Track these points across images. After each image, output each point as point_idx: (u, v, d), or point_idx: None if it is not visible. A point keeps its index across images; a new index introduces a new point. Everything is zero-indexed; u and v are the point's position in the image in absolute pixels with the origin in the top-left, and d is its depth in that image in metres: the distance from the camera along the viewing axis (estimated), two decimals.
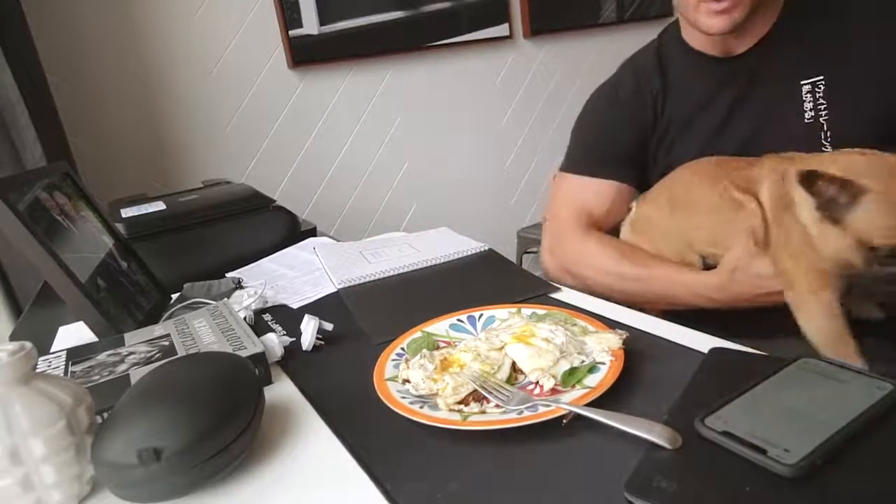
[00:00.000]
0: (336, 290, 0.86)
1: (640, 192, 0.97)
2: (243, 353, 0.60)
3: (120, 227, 0.98)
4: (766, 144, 0.83)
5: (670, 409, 0.47)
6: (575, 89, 2.63)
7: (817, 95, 0.84)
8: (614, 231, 0.97)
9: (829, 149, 0.83)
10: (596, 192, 0.96)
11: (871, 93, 0.82)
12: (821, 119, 0.84)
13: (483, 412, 0.50)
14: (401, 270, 0.90)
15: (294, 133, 2.13)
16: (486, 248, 0.95)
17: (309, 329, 0.67)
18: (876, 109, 0.82)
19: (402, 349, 0.62)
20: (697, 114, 0.90)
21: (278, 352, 0.65)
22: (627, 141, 0.95)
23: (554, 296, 0.76)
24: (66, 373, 0.62)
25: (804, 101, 0.84)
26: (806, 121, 0.85)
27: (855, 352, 0.70)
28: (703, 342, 0.58)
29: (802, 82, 0.84)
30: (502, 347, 0.57)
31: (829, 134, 0.84)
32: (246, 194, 1.16)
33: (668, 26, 0.98)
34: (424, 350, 0.59)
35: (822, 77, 0.83)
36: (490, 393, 0.51)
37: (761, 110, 0.87)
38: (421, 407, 0.51)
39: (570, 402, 0.49)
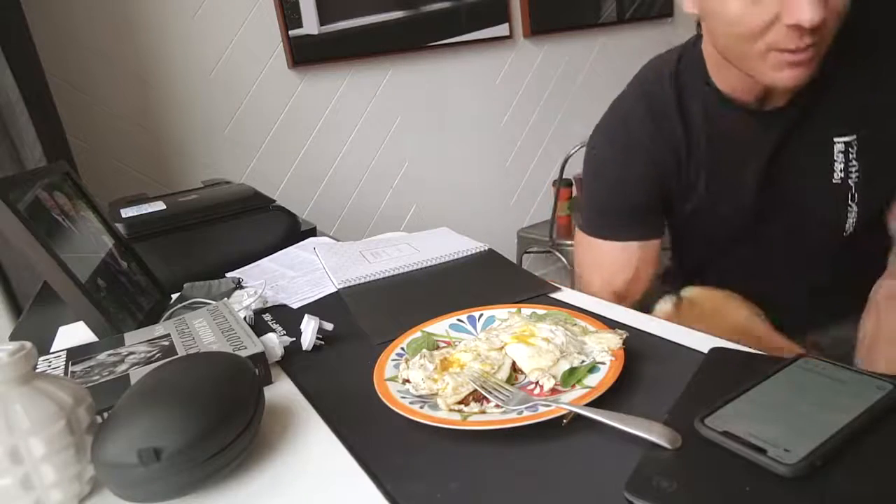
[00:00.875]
0: (336, 290, 0.86)
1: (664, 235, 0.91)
2: (243, 353, 0.60)
3: (120, 227, 0.98)
4: (797, 204, 0.80)
5: (670, 409, 0.47)
6: (575, 89, 2.64)
7: (850, 156, 0.79)
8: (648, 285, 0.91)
9: (854, 209, 0.81)
10: (620, 257, 0.89)
11: None
12: (850, 181, 0.80)
13: (483, 412, 0.50)
14: (401, 270, 0.90)
15: (294, 133, 2.13)
16: (486, 248, 0.95)
17: (309, 329, 0.67)
18: None
19: (402, 349, 0.62)
20: (735, 168, 0.82)
21: (278, 352, 0.65)
22: (646, 193, 0.87)
23: (554, 296, 0.76)
24: (66, 373, 0.62)
25: (835, 160, 0.79)
26: (834, 181, 0.80)
27: None
28: (703, 342, 0.58)
29: (836, 140, 0.79)
30: (502, 347, 0.57)
31: (856, 196, 0.80)
32: (246, 194, 1.16)
33: (684, 54, 0.85)
34: (424, 350, 0.59)
35: (854, 136, 0.78)
36: (490, 393, 0.51)
37: (795, 167, 0.81)
38: (421, 407, 0.51)
39: (570, 402, 0.49)
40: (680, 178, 0.86)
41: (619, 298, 0.88)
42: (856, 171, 0.79)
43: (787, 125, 0.79)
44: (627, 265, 0.89)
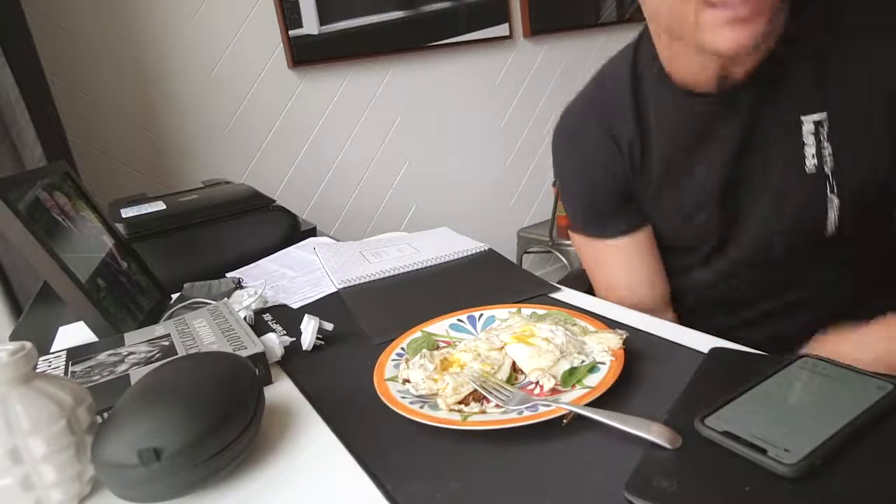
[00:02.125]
0: (336, 290, 0.86)
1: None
2: (243, 353, 0.60)
3: (120, 227, 0.98)
4: (767, 199, 0.72)
5: (670, 409, 0.47)
6: (575, 89, 2.63)
7: (821, 138, 0.67)
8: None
9: (836, 201, 0.69)
10: (619, 257, 0.84)
11: (885, 134, 0.66)
12: (826, 169, 0.68)
13: (483, 412, 0.50)
14: (401, 270, 0.90)
15: (294, 133, 2.13)
16: (486, 248, 0.95)
17: (309, 329, 0.67)
18: (892, 154, 0.67)
19: (402, 349, 0.62)
20: (695, 161, 0.74)
21: (278, 352, 0.65)
22: (615, 194, 0.82)
23: (554, 296, 0.76)
24: (66, 373, 0.62)
25: (805, 143, 0.68)
26: (807, 169, 0.68)
27: None
28: (703, 342, 0.58)
29: (804, 118, 0.67)
30: (502, 347, 0.57)
31: (835, 187, 0.69)
32: (246, 194, 1.16)
33: (640, 46, 0.77)
34: (424, 350, 0.60)
35: (825, 114, 0.67)
36: (490, 393, 0.51)
37: (762, 156, 0.71)
38: (421, 407, 0.51)
39: (570, 402, 0.49)
40: (640, 177, 0.79)
41: (632, 301, 0.82)
42: (830, 155, 0.68)
43: (749, 106, 0.69)
44: (631, 261, 0.84)
